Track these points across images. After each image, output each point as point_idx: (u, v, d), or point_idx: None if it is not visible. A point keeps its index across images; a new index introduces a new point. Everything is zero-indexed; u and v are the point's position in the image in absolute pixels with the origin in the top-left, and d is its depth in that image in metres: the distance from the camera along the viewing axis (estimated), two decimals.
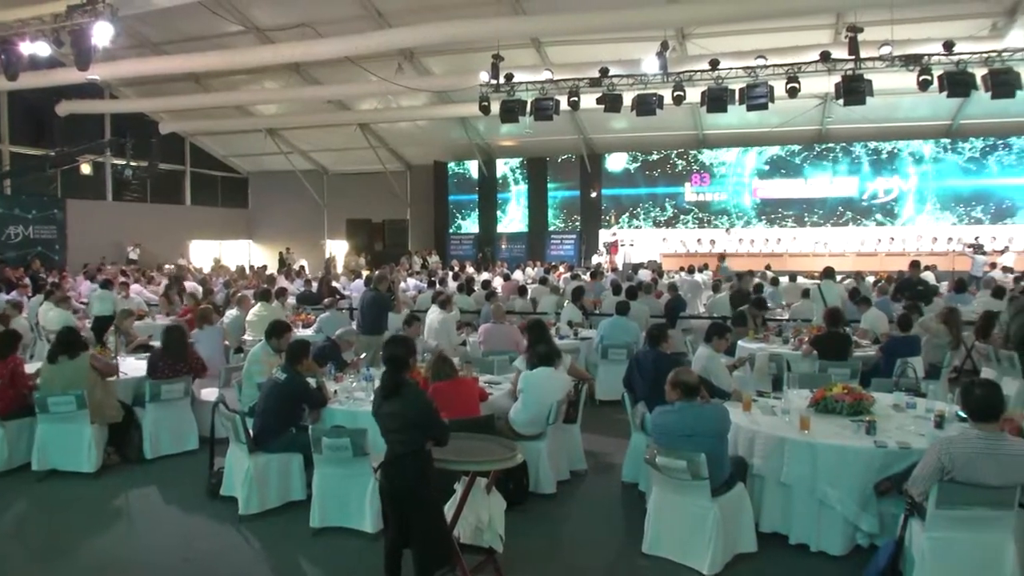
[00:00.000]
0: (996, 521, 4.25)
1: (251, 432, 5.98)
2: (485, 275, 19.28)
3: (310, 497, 5.68)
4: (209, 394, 7.72)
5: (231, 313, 11.00)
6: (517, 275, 19.41)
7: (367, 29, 17.08)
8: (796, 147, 23.70)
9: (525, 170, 26.68)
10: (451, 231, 27.77)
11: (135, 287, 15.35)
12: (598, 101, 16.51)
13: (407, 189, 28.19)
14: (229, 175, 30.46)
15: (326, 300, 12.29)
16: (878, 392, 6.26)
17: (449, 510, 4.55)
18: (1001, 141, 22.17)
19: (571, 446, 6.86)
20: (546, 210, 26.50)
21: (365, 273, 19.12)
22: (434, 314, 10.14)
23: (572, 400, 6.74)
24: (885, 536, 4.81)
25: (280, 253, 27.59)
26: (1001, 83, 14.36)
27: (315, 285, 16.28)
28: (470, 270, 20.88)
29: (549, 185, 26.46)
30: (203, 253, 28.12)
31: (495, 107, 16.86)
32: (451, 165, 27.42)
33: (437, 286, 15.04)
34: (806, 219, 23.78)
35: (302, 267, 23.06)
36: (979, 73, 14.51)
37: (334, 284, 16.65)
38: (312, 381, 6.41)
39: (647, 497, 5.37)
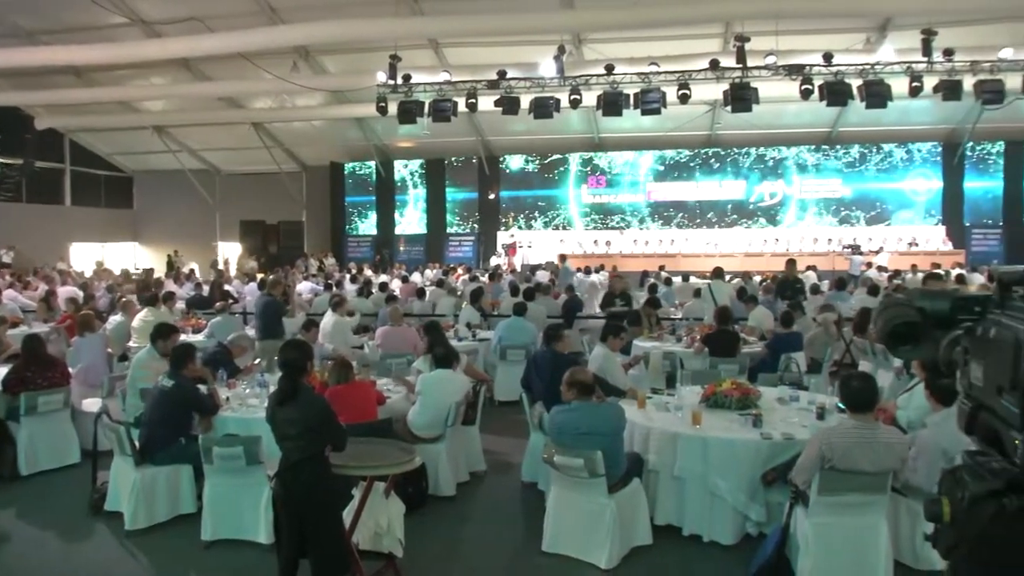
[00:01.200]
0: (872, 505, 4.51)
1: (137, 443, 5.72)
2: (383, 277, 19.05)
3: (201, 509, 5.48)
4: (91, 404, 7.34)
5: (115, 319, 10.49)
6: (415, 277, 19.29)
7: (260, 25, 16.61)
8: (688, 151, 24.47)
9: (423, 171, 26.56)
10: (348, 233, 27.36)
11: (9, 292, 14.44)
12: (496, 103, 16.61)
13: (303, 190, 27.58)
14: (113, 174, 29.04)
15: (218, 304, 11.88)
16: (764, 386, 6.53)
17: (347, 516, 4.47)
18: (875, 148, 23.53)
19: (470, 447, 6.87)
20: (444, 212, 26.46)
21: (259, 276, 18.59)
22: (327, 317, 9.98)
23: (471, 402, 6.75)
24: (772, 524, 5.01)
25: (168, 256, 26.51)
26: (874, 94, 15.28)
27: (206, 289, 15.70)
28: (368, 272, 20.59)
29: (447, 187, 26.42)
30: (85, 256, 26.70)
31: (392, 108, 16.71)
32: (348, 166, 27.01)
33: (334, 289, 14.77)
34: (698, 221, 24.57)
35: (192, 270, 22.22)
36: (855, 84, 15.36)
37: (226, 287, 16.11)
38: (203, 388, 6.19)
39: (546, 496, 5.43)
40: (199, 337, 10.13)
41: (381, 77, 16.44)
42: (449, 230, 26.48)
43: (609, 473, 4.91)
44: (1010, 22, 16.35)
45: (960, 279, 14.52)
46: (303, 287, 16.46)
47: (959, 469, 1.20)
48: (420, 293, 13.66)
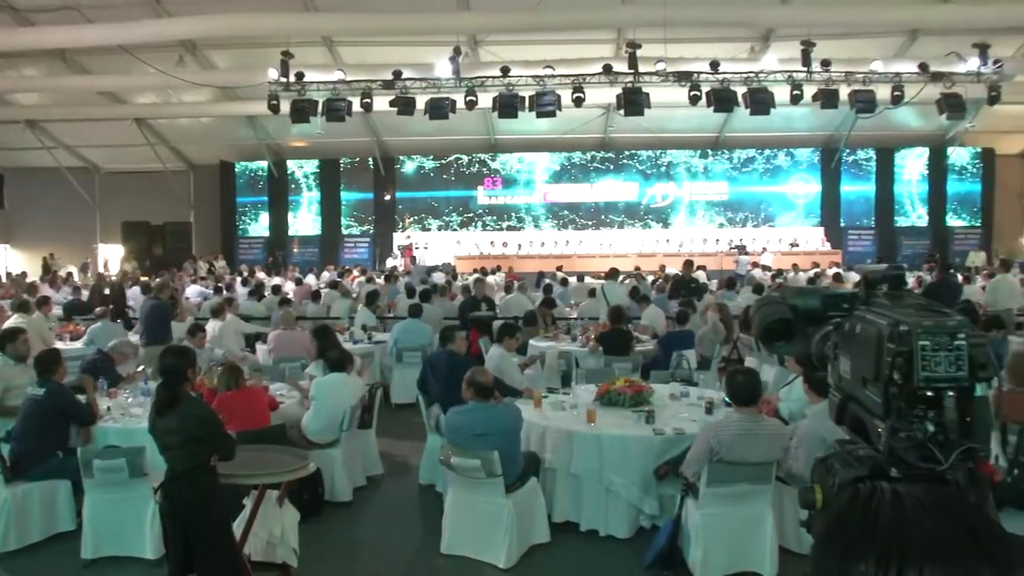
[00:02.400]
0: (758, 495, 4.71)
1: (7, 459, 5.36)
2: (276, 280, 18.59)
3: (81, 527, 5.18)
4: None
5: None
6: (310, 279, 18.88)
7: (143, 16, 15.86)
8: (582, 153, 24.89)
9: (317, 172, 26.03)
10: (239, 234, 26.49)
11: None
12: (391, 104, 16.45)
13: (190, 190, 26.54)
14: None
15: (98, 309, 11.29)
16: (656, 383, 6.71)
17: (238, 527, 4.34)
18: (759, 152, 24.58)
19: (367, 451, 6.78)
20: (339, 213, 25.99)
21: (143, 279, 17.79)
22: (211, 323, 9.66)
23: (366, 405, 6.66)
24: (665, 516, 5.15)
25: (44, 259, 25.01)
26: (758, 101, 15.97)
27: (85, 293, 14.91)
28: (260, 275, 20.04)
29: (342, 187, 25.98)
30: None
31: (285, 106, 16.30)
32: (238, 165, 26.16)
33: (224, 292, 14.30)
34: (592, 222, 25.02)
35: (69, 274, 21.05)
36: (740, 91, 16.01)
37: (107, 292, 15.34)
38: (82, 398, 5.87)
39: (444, 497, 5.41)
40: (77, 344, 9.63)
41: (273, 74, 16.02)
42: (344, 231, 26.04)
43: (506, 473, 4.94)
44: (881, 37, 17.42)
45: (837, 278, 15.32)
46: (191, 291, 15.87)
47: (830, 457, 1.26)
48: (315, 296, 13.39)
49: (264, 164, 25.62)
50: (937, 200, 24.25)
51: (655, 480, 5.26)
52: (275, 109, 16.35)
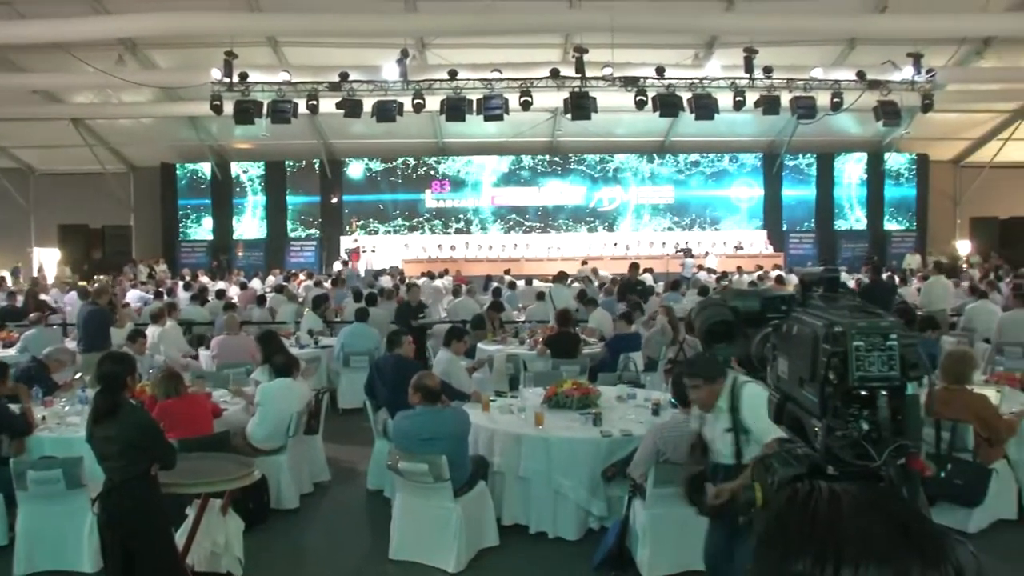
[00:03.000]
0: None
1: None
2: (220, 284, 18.24)
3: (14, 541, 5.01)
4: None
5: None
6: (255, 283, 18.59)
7: (80, 13, 15.43)
8: (530, 157, 24.98)
9: (262, 174, 25.62)
10: (181, 238, 25.93)
11: None
12: (338, 106, 16.29)
13: (130, 192, 25.87)
14: None
15: (32, 315, 10.95)
16: (604, 386, 6.77)
17: (181, 537, 4.25)
18: (704, 157, 24.98)
19: (313, 457, 6.70)
20: (285, 216, 25.62)
21: (81, 284, 17.30)
22: (151, 328, 9.45)
23: (313, 410, 6.59)
24: (613, 517, 5.20)
25: None
26: (702, 106, 16.24)
27: (20, 299, 14.43)
28: (204, 279, 19.65)
29: (288, 190, 25.62)
30: None
31: (229, 107, 16.01)
32: (181, 167, 25.60)
33: (165, 297, 13.99)
34: (541, 225, 25.12)
35: (2, 279, 20.36)
36: (685, 96, 16.25)
37: (43, 297, 14.89)
38: (16, 407, 5.68)
39: (392, 502, 5.38)
40: (11, 352, 9.33)
41: (216, 74, 15.70)
42: (290, 235, 25.67)
43: (454, 477, 4.93)
44: (820, 45, 17.88)
45: (779, 280, 15.64)
46: (132, 295, 15.48)
47: (769, 456, 1.29)
48: (260, 300, 13.19)
49: (207, 166, 25.14)
50: (875, 204, 24.96)
51: (603, 482, 5.29)
52: (218, 110, 16.05)
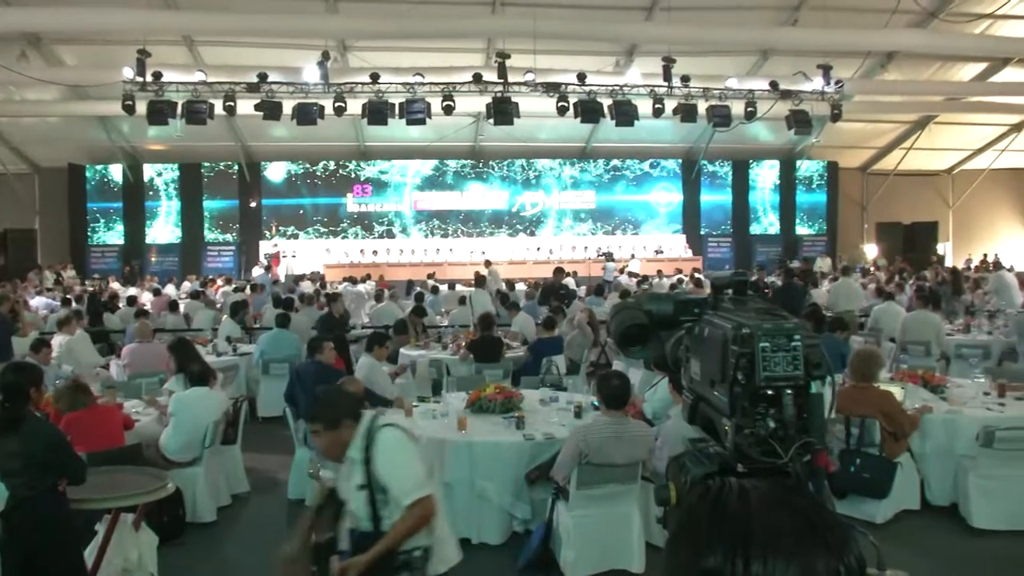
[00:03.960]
0: (625, 495, 4.86)
1: None
2: (132, 290, 17.63)
3: None
4: None
5: None
6: (169, 290, 18.02)
7: None
8: (453, 161, 24.96)
9: (178, 177, 24.86)
10: (91, 242, 24.93)
11: None
12: (256, 108, 15.95)
13: (35, 194, 24.75)
14: None
15: None
16: (527, 389, 6.80)
17: (90, 555, 4.08)
18: (622, 163, 25.43)
19: (231, 468, 6.54)
20: (202, 220, 24.91)
21: None
22: (57, 336, 9.07)
23: (230, 419, 6.43)
24: (537, 520, 5.23)
25: None
26: (623, 113, 16.54)
27: None
28: (115, 285, 18.95)
29: (205, 193, 24.92)
30: None
31: (141, 107, 15.49)
32: (89, 169, 24.61)
33: (73, 304, 13.43)
34: (463, 230, 25.12)
35: None
36: (606, 103, 16.52)
37: None
38: None
39: None
40: None
41: (128, 73, 15.15)
42: (207, 239, 24.97)
43: None
44: (735, 55, 18.44)
45: (698, 283, 16.03)
46: (37, 302, 14.82)
47: (682, 456, 1.32)
48: (173, 306, 12.79)
49: (119, 168, 24.24)
50: (787, 209, 25.86)
51: (527, 485, 5.32)
52: (130, 110, 15.50)
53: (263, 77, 15.64)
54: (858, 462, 5.48)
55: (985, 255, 23.15)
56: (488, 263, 19.16)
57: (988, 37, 18.08)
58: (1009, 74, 19.82)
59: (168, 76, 15.52)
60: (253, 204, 24.49)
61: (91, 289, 17.48)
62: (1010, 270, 16.64)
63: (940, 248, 25.60)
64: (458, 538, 5.35)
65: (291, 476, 6.51)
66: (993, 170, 25.90)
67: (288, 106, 15.98)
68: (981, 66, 19.90)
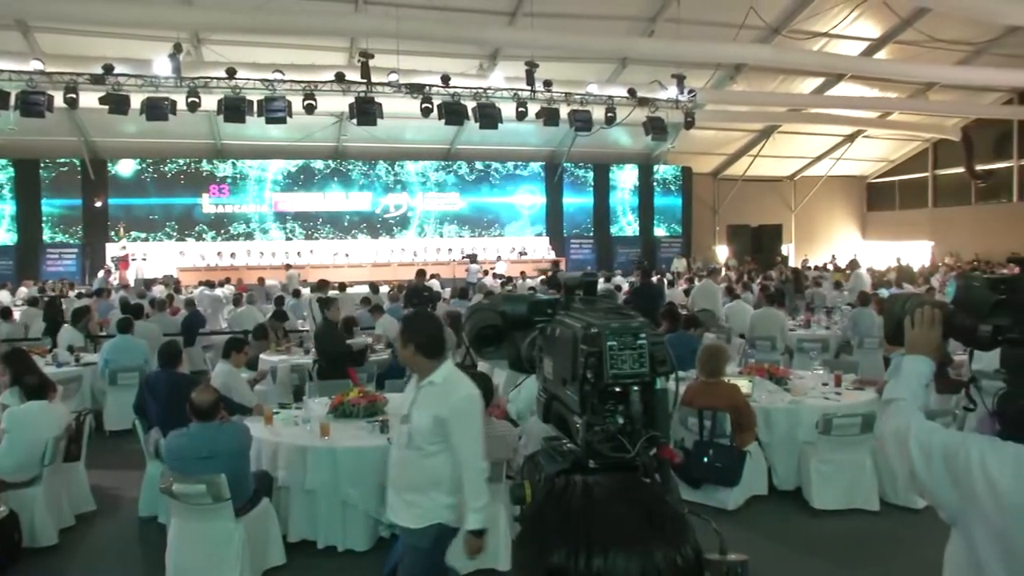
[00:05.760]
0: (492, 494, 4.89)
1: None
2: None
3: None
4: None
5: None
6: (2, 296, 16.67)
7: None
8: (315, 162, 24.37)
9: (12, 173, 22.97)
10: None
11: None
12: (101, 101, 15.00)
13: None
14: None
15: None
16: (391, 392, 6.73)
17: None
18: (486, 166, 25.64)
19: (75, 487, 6.10)
20: (40, 220, 23.12)
21: None
22: None
23: (72, 435, 6.01)
24: None
25: None
26: (487, 115, 16.70)
27: None
28: None
29: (44, 192, 23.15)
30: None
31: None
32: None
33: None
34: (326, 232, 24.58)
35: None
36: (470, 105, 16.61)
37: None
38: None
39: (167, 529, 5.03)
40: None
41: None
42: (47, 241, 23.20)
43: (235, 496, 4.69)
44: (596, 63, 18.97)
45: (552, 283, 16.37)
46: None
47: (537, 454, 1.35)
48: (5, 314, 11.84)
49: None
50: (646, 212, 26.91)
51: None
52: None
53: (108, 68, 14.75)
54: (711, 453, 5.75)
55: (833, 256, 24.95)
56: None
57: (825, 54, 19.47)
58: (843, 88, 21.52)
59: (0, 64, 14.36)
60: (98, 204, 22.97)
61: None
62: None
63: (784, 249, 27.31)
64: (324, 546, 5.29)
65: (142, 492, 6.16)
66: (830, 177, 28.16)
67: (137, 100, 15.14)
68: (819, 80, 21.45)
